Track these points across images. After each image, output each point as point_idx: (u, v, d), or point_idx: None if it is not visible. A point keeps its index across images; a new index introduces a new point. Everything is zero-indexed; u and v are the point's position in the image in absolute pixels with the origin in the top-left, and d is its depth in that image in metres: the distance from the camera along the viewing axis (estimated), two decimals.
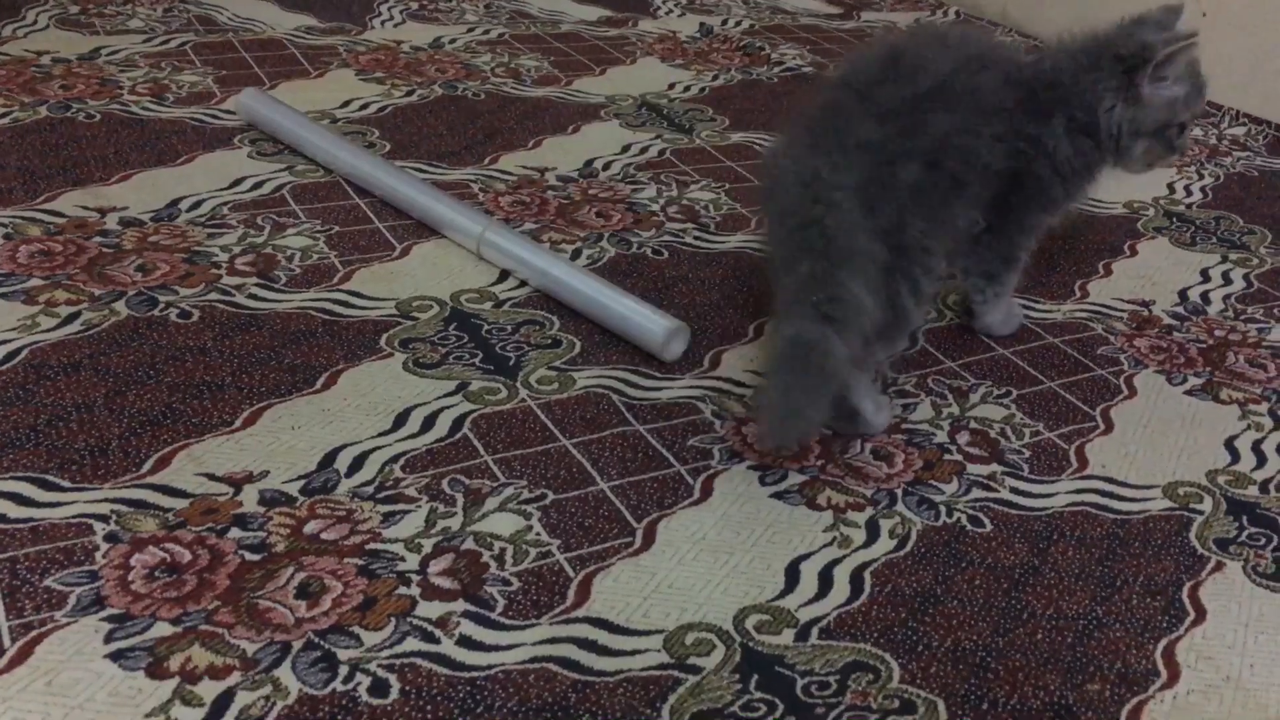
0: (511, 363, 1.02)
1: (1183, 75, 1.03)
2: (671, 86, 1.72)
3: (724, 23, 2.06)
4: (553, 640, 0.74)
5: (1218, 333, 1.22)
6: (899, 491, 0.92)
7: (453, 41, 1.78)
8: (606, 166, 1.42)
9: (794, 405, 0.86)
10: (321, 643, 0.72)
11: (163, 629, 0.71)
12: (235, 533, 0.79)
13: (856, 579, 0.82)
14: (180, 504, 0.81)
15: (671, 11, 2.09)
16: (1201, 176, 1.62)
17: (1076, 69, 1.03)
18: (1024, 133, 1.02)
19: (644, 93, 1.67)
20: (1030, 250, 1.11)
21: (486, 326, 1.06)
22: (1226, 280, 1.33)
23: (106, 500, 0.81)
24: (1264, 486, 0.98)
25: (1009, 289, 1.14)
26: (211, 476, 0.84)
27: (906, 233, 0.94)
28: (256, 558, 0.77)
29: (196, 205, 1.21)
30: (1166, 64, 1.01)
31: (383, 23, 1.83)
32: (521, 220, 1.26)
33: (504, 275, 1.15)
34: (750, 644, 0.76)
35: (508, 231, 1.18)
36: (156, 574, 0.75)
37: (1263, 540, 0.91)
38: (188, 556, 0.77)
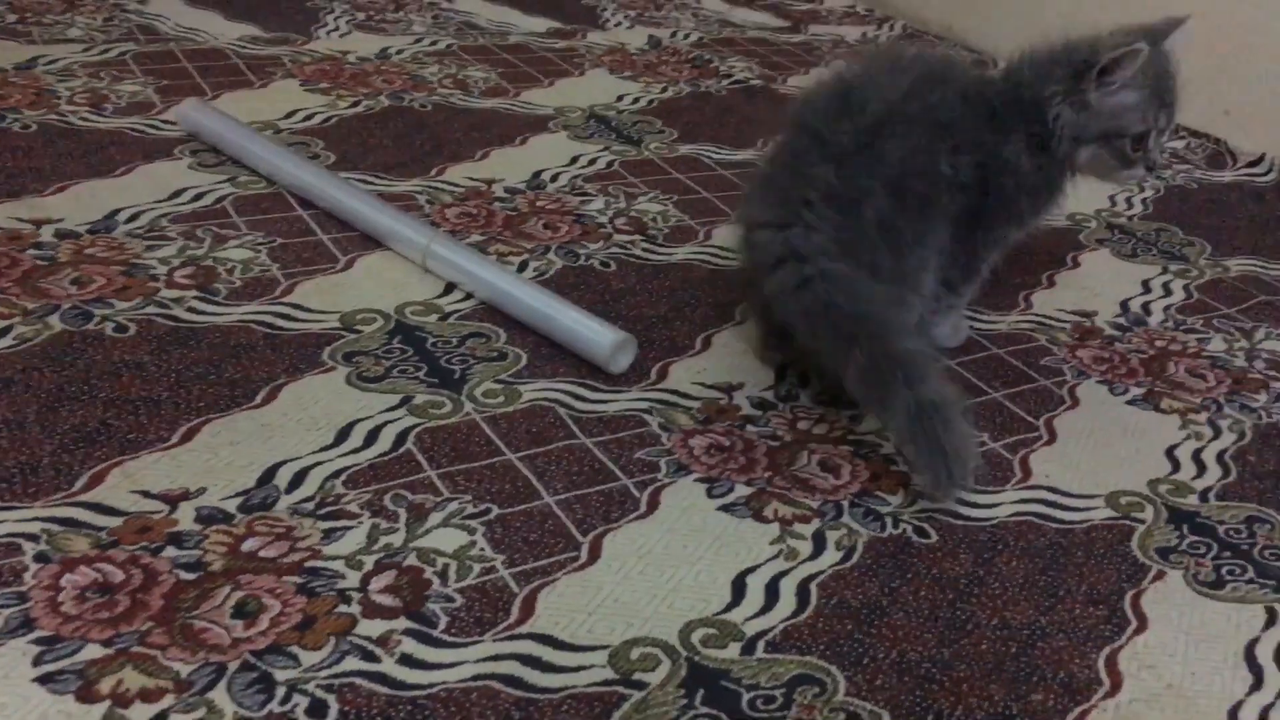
0: (457, 376, 1.01)
1: (1137, 82, 1.03)
2: (620, 99, 1.72)
3: (673, 35, 2.07)
4: (496, 657, 0.73)
5: (1159, 343, 1.23)
6: (845, 503, 0.92)
7: (399, 52, 1.76)
8: (554, 178, 1.41)
9: (954, 456, 0.90)
10: (258, 663, 0.70)
11: (94, 651, 0.69)
12: (170, 551, 0.77)
13: (803, 591, 0.82)
14: (114, 522, 0.79)
15: (620, 24, 2.09)
16: (1142, 189, 1.64)
17: (1036, 78, 1.04)
18: (985, 147, 1.02)
19: (592, 105, 1.67)
20: (992, 264, 1.11)
21: (431, 339, 1.05)
22: (1167, 291, 1.35)
23: (37, 519, 0.79)
24: (1204, 495, 0.99)
25: (964, 301, 1.14)
26: (146, 494, 0.82)
27: (882, 272, 0.98)
28: (192, 577, 0.76)
29: (135, 217, 1.18)
30: (1114, 69, 1.01)
31: (328, 33, 1.81)
32: (469, 232, 1.25)
33: (450, 288, 1.14)
34: (696, 658, 0.75)
35: (453, 244, 1.17)
36: (88, 595, 0.73)
37: (1203, 549, 0.92)
38: (120, 576, 0.75)
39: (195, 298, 1.06)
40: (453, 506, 0.85)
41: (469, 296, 1.13)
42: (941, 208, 1.01)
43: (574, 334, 1.05)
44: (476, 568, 0.80)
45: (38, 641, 0.69)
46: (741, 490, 0.92)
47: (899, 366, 0.91)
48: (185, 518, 0.81)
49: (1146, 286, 1.36)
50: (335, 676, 0.70)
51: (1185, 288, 1.36)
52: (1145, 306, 1.31)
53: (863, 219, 0.98)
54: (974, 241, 1.07)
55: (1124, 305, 1.31)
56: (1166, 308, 1.31)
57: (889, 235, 0.99)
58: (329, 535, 0.81)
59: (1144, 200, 1.61)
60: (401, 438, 0.92)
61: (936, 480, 0.91)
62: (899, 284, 1.01)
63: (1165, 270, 1.40)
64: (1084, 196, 1.56)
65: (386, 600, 0.76)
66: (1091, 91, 1.02)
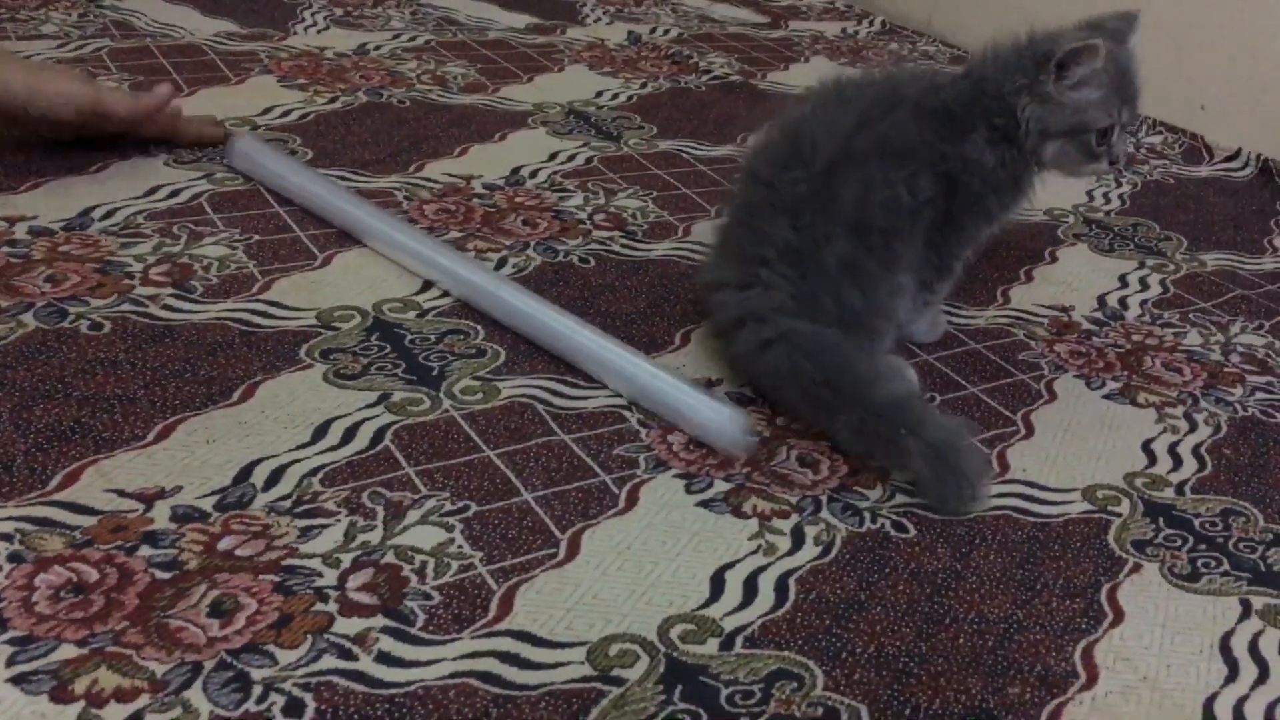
0: (435, 373, 1.00)
1: (1098, 78, 1.03)
2: (599, 94, 1.71)
3: (653, 31, 2.07)
4: (474, 654, 0.73)
5: (1135, 337, 1.24)
6: (824, 498, 0.92)
7: (378, 48, 1.76)
8: (534, 174, 1.41)
9: (974, 476, 0.93)
10: (234, 662, 0.70)
11: (68, 651, 0.69)
12: (145, 550, 0.77)
13: (781, 586, 0.82)
14: (88, 521, 0.79)
15: (600, 20, 2.09)
16: (1119, 184, 1.65)
17: (1000, 73, 1.04)
18: (946, 158, 1.02)
19: (572, 100, 1.67)
20: (967, 261, 1.12)
21: (410, 336, 1.05)
22: (1144, 286, 1.36)
23: (10, 519, 0.78)
24: (1180, 489, 1.00)
25: (940, 298, 1.14)
26: (121, 493, 0.82)
27: (851, 312, 1.00)
28: (167, 576, 0.75)
29: (110, 214, 1.18)
30: (1071, 63, 1.01)
31: (306, 29, 1.80)
32: (447, 229, 1.25)
33: (427, 285, 1.14)
34: (674, 654, 0.75)
35: (522, 291, 1.09)
36: (62, 594, 0.73)
37: (1179, 542, 0.93)
38: (95, 576, 0.74)
39: (171, 295, 1.05)
40: (431, 504, 0.85)
41: (447, 293, 1.12)
42: (908, 233, 1.02)
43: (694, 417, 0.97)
44: (454, 565, 0.80)
45: (11, 642, 0.69)
46: (720, 486, 0.92)
47: (893, 420, 0.92)
48: (160, 516, 0.80)
49: (1123, 281, 1.37)
50: (312, 675, 0.70)
51: (1162, 282, 1.37)
52: (1122, 301, 1.32)
53: (824, 267, 0.99)
54: (946, 242, 1.07)
55: (1101, 300, 1.31)
56: (1143, 302, 1.32)
57: (855, 275, 1.00)
58: (306, 533, 0.81)
59: (1121, 195, 1.61)
60: (379, 435, 0.91)
61: (960, 497, 0.92)
62: (872, 317, 1.02)
63: (1142, 265, 1.41)
64: (1061, 192, 1.58)
65: (364, 598, 0.76)
66: (1050, 85, 1.02)
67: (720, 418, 0.96)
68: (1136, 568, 0.89)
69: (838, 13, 2.37)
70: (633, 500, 0.89)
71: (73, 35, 1.62)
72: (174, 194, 1.23)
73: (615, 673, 0.73)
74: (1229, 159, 1.79)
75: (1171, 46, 1.89)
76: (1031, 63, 1.02)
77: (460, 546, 0.81)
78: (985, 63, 1.06)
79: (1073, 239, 1.46)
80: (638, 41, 1.99)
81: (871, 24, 2.30)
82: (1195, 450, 1.05)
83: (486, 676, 0.71)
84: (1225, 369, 1.20)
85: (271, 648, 0.71)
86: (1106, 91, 1.04)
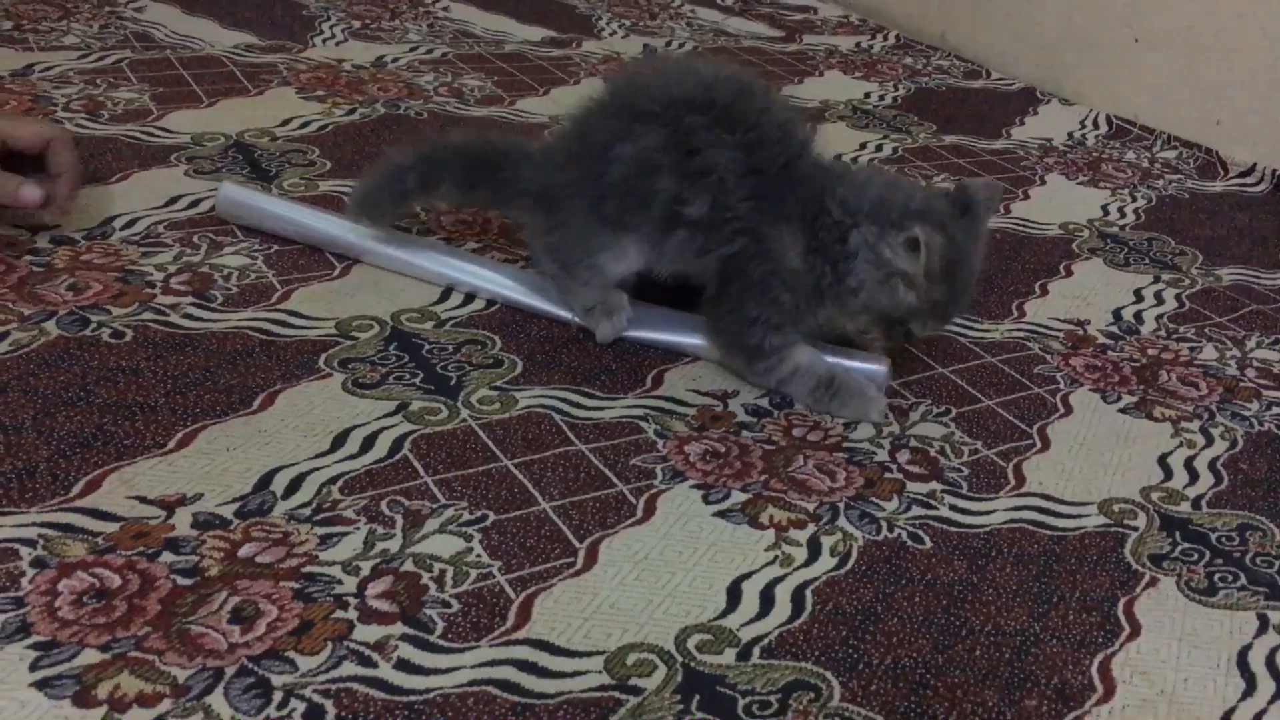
0: (453, 383, 1.01)
1: (925, 278, 0.96)
2: None
3: (668, 44, 2.08)
4: (492, 663, 0.73)
5: (1151, 352, 1.24)
6: (841, 505, 0.92)
7: (395, 60, 1.77)
8: None
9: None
10: (255, 668, 0.70)
11: (91, 656, 0.69)
12: (167, 556, 0.78)
13: (798, 597, 0.83)
14: (110, 528, 0.79)
15: (615, 33, 2.10)
16: (1134, 199, 1.65)
17: (860, 204, 0.98)
18: (744, 215, 1.01)
19: None
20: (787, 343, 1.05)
21: (427, 346, 1.06)
22: (1159, 300, 1.36)
23: (34, 524, 0.79)
24: (1196, 503, 1.00)
25: (764, 373, 1.06)
26: (143, 499, 0.82)
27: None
28: (189, 582, 0.76)
29: (131, 224, 1.19)
30: (915, 250, 0.94)
31: (324, 41, 1.81)
32: (464, 239, 1.26)
33: (446, 294, 1.14)
34: (692, 664, 0.75)
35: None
36: (85, 599, 0.73)
37: (1195, 556, 0.93)
38: (117, 581, 0.75)
39: (191, 304, 1.06)
40: (449, 513, 0.86)
41: (466, 302, 1.13)
42: (640, 208, 1.03)
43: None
44: (473, 573, 0.80)
45: (34, 646, 0.69)
46: (737, 496, 0.92)
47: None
48: (182, 523, 0.81)
49: (1139, 295, 1.37)
50: (332, 681, 0.70)
51: (1177, 296, 1.37)
52: (1138, 315, 1.32)
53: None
54: (727, 313, 1.05)
55: (1116, 314, 1.31)
56: (1159, 316, 1.32)
57: (563, 207, 1.09)
58: (326, 541, 0.81)
59: (1136, 210, 1.62)
60: (398, 444, 0.92)
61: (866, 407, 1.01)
62: (571, 248, 1.09)
63: (1157, 279, 1.41)
64: (1075, 208, 1.58)
65: (383, 605, 0.76)
66: (889, 253, 0.96)
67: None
68: (1153, 582, 0.89)
69: (851, 27, 2.38)
70: (650, 510, 0.89)
71: (93, 46, 1.64)
72: (194, 204, 1.24)
73: (633, 682, 0.73)
74: (1244, 174, 1.79)
75: (1186, 61, 1.89)
76: (886, 219, 0.97)
77: (479, 555, 0.82)
78: (856, 183, 1.00)
79: (1087, 253, 1.46)
80: (653, 55, 2.00)
81: (885, 38, 2.31)
82: (1211, 465, 1.05)
83: (505, 685, 0.72)
84: (1241, 384, 1.20)
85: (292, 654, 0.72)
86: (930, 292, 0.97)
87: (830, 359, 1.07)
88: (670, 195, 1.01)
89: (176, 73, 1.59)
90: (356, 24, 1.92)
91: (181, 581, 0.76)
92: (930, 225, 0.95)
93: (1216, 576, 0.91)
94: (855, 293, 0.99)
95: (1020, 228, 1.50)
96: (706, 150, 1.00)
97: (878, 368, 1.07)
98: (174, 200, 1.24)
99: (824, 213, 0.99)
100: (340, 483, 0.87)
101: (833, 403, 1.03)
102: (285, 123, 1.48)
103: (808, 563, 0.86)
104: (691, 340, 1.09)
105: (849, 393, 1.03)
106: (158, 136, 1.39)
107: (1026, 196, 1.61)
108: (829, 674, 0.76)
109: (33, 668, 0.68)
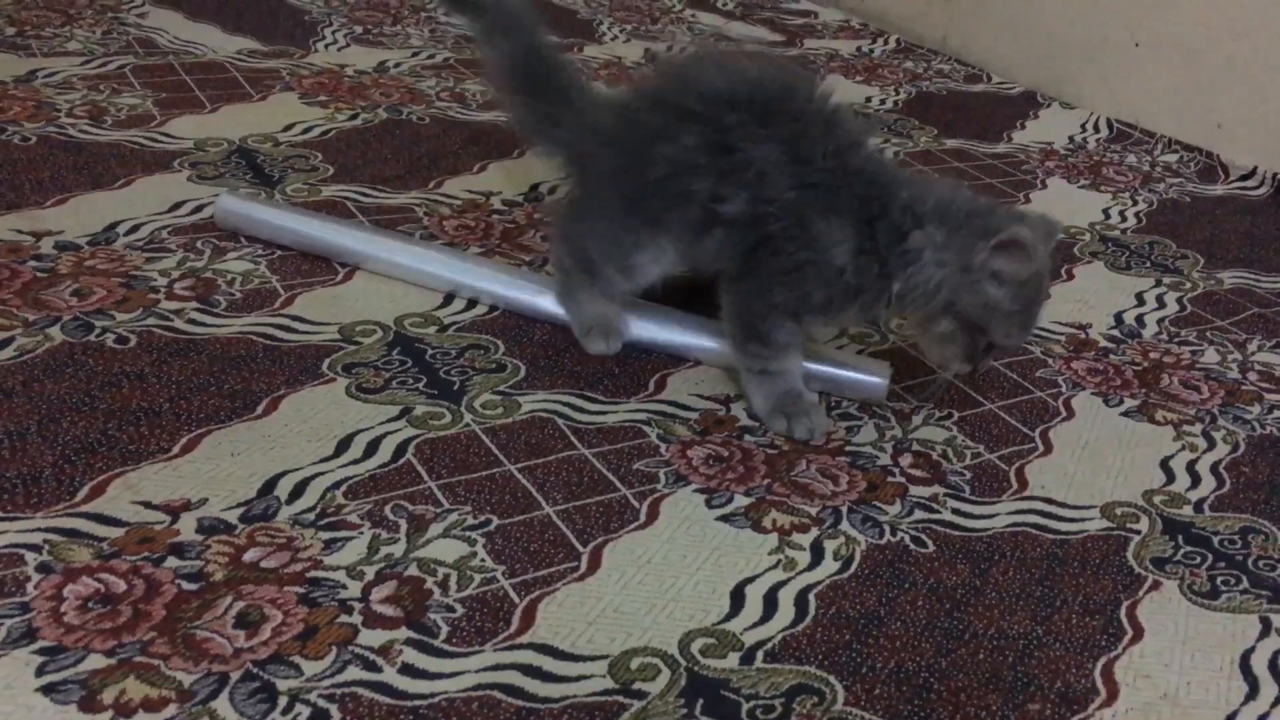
0: (456, 387, 1.01)
1: (1021, 287, 0.97)
2: None
3: (669, 49, 2.08)
4: (497, 667, 0.73)
5: (1152, 355, 1.24)
6: (844, 509, 0.92)
7: (397, 65, 1.77)
8: (552, 190, 1.42)
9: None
10: (260, 673, 0.70)
11: (96, 661, 0.70)
12: (172, 561, 0.78)
13: (801, 601, 0.83)
14: (115, 533, 0.80)
15: (617, 38, 2.11)
16: (1136, 203, 1.65)
17: (924, 209, 0.97)
18: (791, 207, 0.99)
19: None
20: (792, 336, 1.03)
21: (431, 351, 1.06)
22: (1161, 304, 1.36)
23: (39, 530, 0.79)
24: (1198, 506, 1.00)
25: (766, 365, 1.03)
26: (148, 505, 0.83)
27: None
28: (194, 587, 0.76)
29: (135, 229, 1.19)
30: (1004, 254, 0.94)
31: (326, 46, 1.82)
32: (467, 244, 1.26)
33: (449, 299, 1.15)
34: (695, 668, 0.75)
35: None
36: (90, 605, 0.73)
37: (1198, 559, 0.93)
38: (123, 586, 0.75)
39: (195, 309, 1.06)
40: (453, 517, 0.86)
41: (468, 307, 1.13)
42: (677, 206, 1.02)
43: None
44: (477, 578, 0.80)
45: (40, 652, 0.70)
46: (740, 500, 0.92)
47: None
48: (187, 528, 0.81)
49: (1140, 299, 1.37)
50: (337, 686, 0.70)
51: (1179, 300, 1.37)
52: (1139, 319, 1.32)
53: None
54: (750, 298, 1.03)
55: (1118, 317, 1.32)
56: (1160, 320, 1.32)
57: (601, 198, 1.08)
58: (330, 546, 0.81)
59: (1137, 214, 1.62)
60: (401, 449, 0.92)
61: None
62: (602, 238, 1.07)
63: (1159, 283, 1.41)
64: (1076, 210, 1.58)
65: (388, 610, 0.77)
66: (979, 259, 0.95)
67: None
68: (1156, 585, 0.89)
69: (853, 31, 2.38)
70: (653, 514, 0.89)
71: (96, 53, 1.64)
72: (198, 209, 1.24)
73: (637, 686, 0.73)
74: (1245, 178, 1.79)
75: (1187, 65, 1.89)
76: (968, 225, 0.96)
77: (482, 560, 0.82)
78: (917, 186, 1.00)
79: (1089, 257, 1.46)
80: (654, 60, 2.00)
81: (887, 42, 2.31)
82: (1214, 468, 1.05)
83: (509, 689, 0.72)
84: (1243, 387, 1.20)
85: (297, 659, 0.72)
86: (1019, 307, 0.97)
87: (829, 368, 1.07)
88: (707, 194, 1.00)
89: (179, 78, 1.59)
90: (358, 29, 1.92)
91: (186, 586, 0.76)
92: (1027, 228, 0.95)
93: (1219, 580, 0.91)
94: (931, 295, 0.97)
95: None
96: (744, 147, 0.98)
97: (879, 380, 1.07)
98: (177, 206, 1.25)
99: (884, 215, 0.97)
100: (344, 488, 0.87)
101: (790, 421, 1.01)
102: (288, 128, 1.48)
103: (811, 567, 0.86)
104: (694, 343, 1.10)
105: (802, 411, 1.02)
106: (160, 142, 1.39)
107: (1028, 200, 1.61)
108: (832, 678, 0.76)
109: (39, 673, 0.68)
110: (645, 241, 1.04)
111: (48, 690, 0.67)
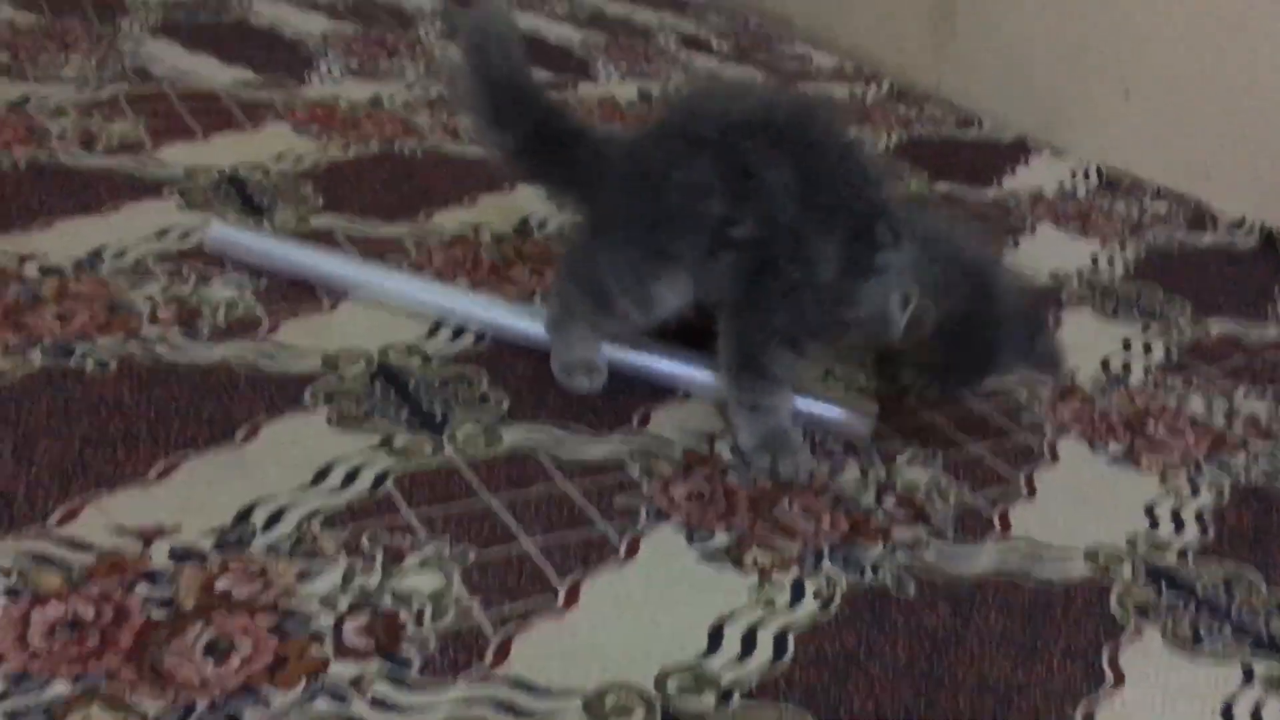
0: (438, 419, 1.00)
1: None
2: None
3: (664, 89, 2.09)
4: (469, 700, 0.72)
5: (1139, 401, 1.24)
6: (825, 548, 0.92)
7: (391, 99, 1.78)
8: (541, 225, 1.42)
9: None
10: (228, 703, 0.69)
11: (61, 688, 0.68)
12: (143, 589, 0.77)
13: (780, 641, 0.82)
14: (87, 558, 0.79)
15: (611, 76, 2.12)
16: (1124, 250, 1.66)
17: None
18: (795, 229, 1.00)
19: None
20: (786, 368, 1.04)
21: (414, 382, 1.05)
22: (1147, 350, 1.36)
23: (9, 554, 0.78)
24: (1182, 553, 0.99)
25: (757, 400, 1.05)
26: (121, 530, 0.82)
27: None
28: (164, 615, 0.75)
29: (121, 254, 1.19)
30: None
31: (321, 79, 1.82)
32: (455, 277, 1.25)
33: (435, 329, 1.14)
34: (671, 707, 0.74)
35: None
36: (57, 630, 0.72)
37: (1181, 606, 0.92)
38: (92, 613, 0.74)
39: (177, 335, 1.06)
40: (430, 549, 0.85)
41: (456, 338, 1.13)
42: (690, 236, 1.01)
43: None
44: (452, 610, 0.79)
45: (3, 678, 0.68)
46: (721, 538, 0.91)
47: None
48: (159, 555, 0.80)
49: (1127, 345, 1.37)
50: (306, 718, 0.69)
51: (1165, 347, 1.37)
52: (1126, 365, 1.32)
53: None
54: (749, 327, 1.03)
55: (1105, 363, 1.31)
56: (1147, 367, 1.32)
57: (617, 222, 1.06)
58: (304, 575, 0.80)
59: (1125, 261, 1.62)
60: (380, 479, 0.91)
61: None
62: (622, 277, 1.05)
63: (1146, 329, 1.41)
64: (1065, 257, 1.59)
65: (360, 642, 0.75)
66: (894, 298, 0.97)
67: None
68: (1138, 631, 0.89)
69: (846, 75, 2.40)
70: (633, 550, 0.89)
71: (91, 80, 1.65)
72: (184, 236, 1.24)
73: None
74: (1234, 227, 1.80)
75: (1177, 114, 1.91)
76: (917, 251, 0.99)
77: (458, 592, 0.81)
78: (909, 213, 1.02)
79: (1077, 302, 1.47)
80: (649, 99, 2.01)
81: (880, 87, 2.33)
82: (1198, 515, 1.05)
83: None
84: (1229, 435, 1.19)
85: (266, 689, 0.71)
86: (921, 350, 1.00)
87: (815, 405, 1.07)
88: (720, 217, 0.99)
89: (172, 107, 1.60)
90: (353, 62, 1.93)
91: (156, 614, 0.75)
92: (942, 293, 0.95)
93: (1202, 628, 0.90)
94: (857, 308, 0.98)
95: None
96: (757, 170, 0.98)
97: (864, 419, 1.07)
98: (164, 232, 1.24)
99: (869, 233, 0.98)
100: (321, 517, 0.86)
101: (775, 459, 1.01)
102: (280, 158, 1.48)
103: (790, 605, 0.85)
104: (681, 373, 1.09)
105: (788, 450, 1.02)
106: (150, 169, 1.39)
107: (1016, 245, 1.62)
108: (810, 718, 0.75)
109: (0, 699, 0.67)
110: (661, 271, 1.02)
111: (11, 717, 0.66)
